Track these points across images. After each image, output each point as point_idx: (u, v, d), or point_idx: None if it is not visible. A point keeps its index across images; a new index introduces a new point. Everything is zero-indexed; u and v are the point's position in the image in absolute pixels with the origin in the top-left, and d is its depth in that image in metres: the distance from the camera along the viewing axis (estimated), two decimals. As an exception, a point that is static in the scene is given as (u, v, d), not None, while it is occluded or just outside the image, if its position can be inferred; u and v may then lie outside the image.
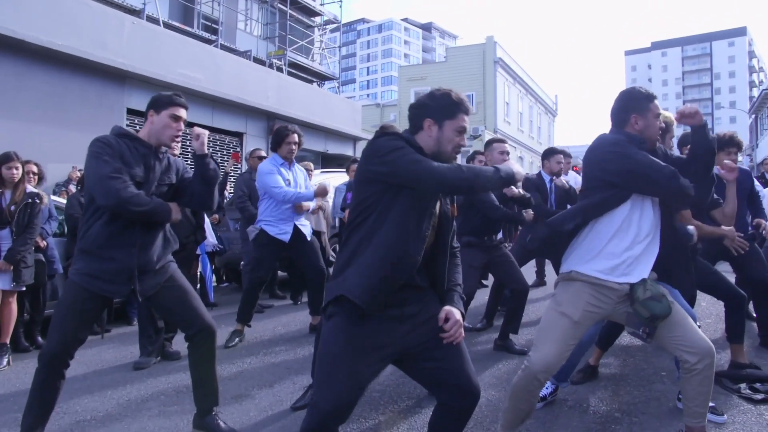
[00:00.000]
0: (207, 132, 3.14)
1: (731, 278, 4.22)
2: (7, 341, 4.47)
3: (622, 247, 2.51)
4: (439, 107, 2.23)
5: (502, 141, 4.77)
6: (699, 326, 5.18)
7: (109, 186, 2.66)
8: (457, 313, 2.18)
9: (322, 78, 21.07)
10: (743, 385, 3.63)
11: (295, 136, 5.07)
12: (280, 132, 5.10)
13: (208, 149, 3.12)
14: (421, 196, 2.12)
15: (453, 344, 2.17)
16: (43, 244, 4.89)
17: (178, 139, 3.01)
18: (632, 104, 2.66)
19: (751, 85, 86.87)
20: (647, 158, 2.49)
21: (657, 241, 2.59)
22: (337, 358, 2.02)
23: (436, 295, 2.28)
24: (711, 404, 3.18)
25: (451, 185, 2.10)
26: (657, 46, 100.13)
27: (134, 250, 2.82)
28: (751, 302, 5.12)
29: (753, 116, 37.48)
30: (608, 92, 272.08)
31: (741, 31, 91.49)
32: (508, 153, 4.65)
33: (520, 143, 31.80)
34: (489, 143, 4.81)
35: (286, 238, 5.00)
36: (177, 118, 2.94)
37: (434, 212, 2.19)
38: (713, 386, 3.60)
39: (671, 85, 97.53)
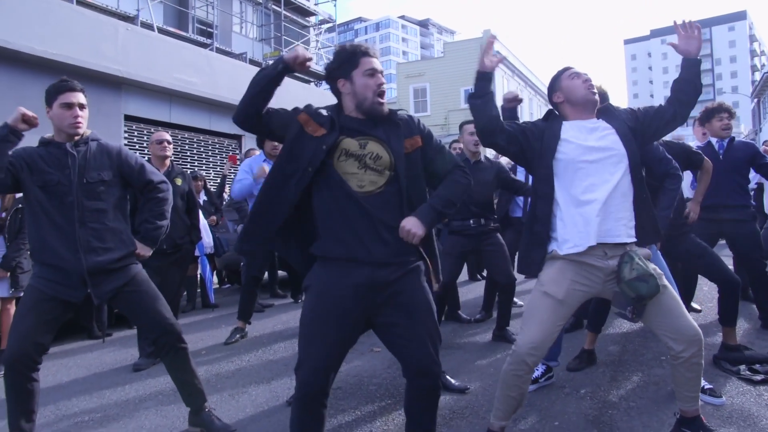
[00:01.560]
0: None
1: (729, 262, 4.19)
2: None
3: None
4: (340, 64, 2.28)
5: (473, 122, 4.70)
6: (700, 310, 5.23)
7: None
8: (409, 222, 2.15)
9: (318, 78, 21.02)
10: (743, 367, 3.62)
11: None
12: None
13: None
14: (296, 148, 2.23)
15: (418, 324, 2.18)
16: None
17: (79, 123, 2.85)
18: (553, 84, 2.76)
19: (753, 69, 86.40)
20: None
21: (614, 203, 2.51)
22: (309, 327, 2.18)
23: (419, 264, 2.28)
24: (709, 386, 3.20)
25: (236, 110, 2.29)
26: (656, 33, 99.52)
27: (78, 253, 2.77)
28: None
29: (755, 100, 37.25)
30: (609, 82, 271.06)
31: (741, 15, 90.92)
32: None
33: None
34: (461, 125, 4.74)
35: None
36: (69, 105, 2.83)
37: (321, 160, 2.18)
38: (714, 369, 3.65)
39: (672, 72, 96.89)
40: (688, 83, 2.56)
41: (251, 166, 5.18)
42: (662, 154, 3.52)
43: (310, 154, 2.18)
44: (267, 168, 5.08)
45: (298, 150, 2.21)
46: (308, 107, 2.30)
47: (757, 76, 55.22)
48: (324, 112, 2.26)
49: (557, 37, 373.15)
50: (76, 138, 2.90)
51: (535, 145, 2.60)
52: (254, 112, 2.24)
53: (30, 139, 2.84)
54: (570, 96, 2.64)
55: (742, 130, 40.69)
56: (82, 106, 2.87)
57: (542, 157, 2.57)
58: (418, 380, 2.21)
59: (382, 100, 2.26)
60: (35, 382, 2.73)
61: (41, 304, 2.75)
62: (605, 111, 2.70)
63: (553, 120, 2.69)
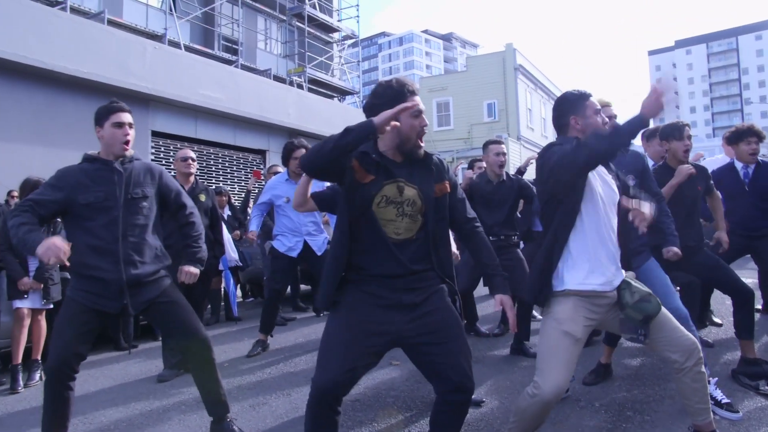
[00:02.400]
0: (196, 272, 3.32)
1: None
2: (39, 357, 4.64)
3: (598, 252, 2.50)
4: (387, 102, 2.21)
5: (498, 142, 4.78)
6: (721, 324, 5.19)
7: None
8: (508, 300, 2.40)
9: (342, 93, 21.28)
10: (762, 382, 3.60)
11: (302, 150, 5.14)
12: (287, 147, 5.22)
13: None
14: (349, 198, 2.24)
15: (453, 340, 2.25)
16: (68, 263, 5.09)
17: (129, 141, 3.01)
18: (567, 107, 2.64)
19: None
20: (560, 149, 2.47)
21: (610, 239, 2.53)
22: (332, 341, 2.23)
23: (444, 285, 2.36)
24: (727, 400, 3.19)
25: (305, 156, 2.18)
26: (681, 44, 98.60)
27: (119, 265, 2.89)
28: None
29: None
30: (633, 93, 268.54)
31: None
32: (504, 154, 4.67)
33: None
34: (485, 145, 4.82)
35: (294, 254, 5.11)
36: (120, 125, 2.99)
37: (371, 209, 2.22)
38: (733, 384, 3.64)
39: (697, 83, 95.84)
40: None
41: (275, 187, 5.24)
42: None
43: (360, 202, 2.22)
44: (290, 188, 5.16)
45: (352, 197, 2.24)
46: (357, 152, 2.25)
47: (787, 86, 54.11)
48: (368, 153, 2.25)
49: (581, 49, 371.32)
50: (125, 155, 3.04)
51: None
52: (330, 166, 2.13)
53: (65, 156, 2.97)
54: (588, 131, 2.56)
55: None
56: (131, 126, 3.04)
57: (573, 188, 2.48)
58: (453, 396, 2.25)
59: (422, 143, 2.29)
60: (71, 391, 2.87)
61: (80, 315, 2.88)
62: None
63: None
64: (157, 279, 3.08)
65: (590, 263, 2.47)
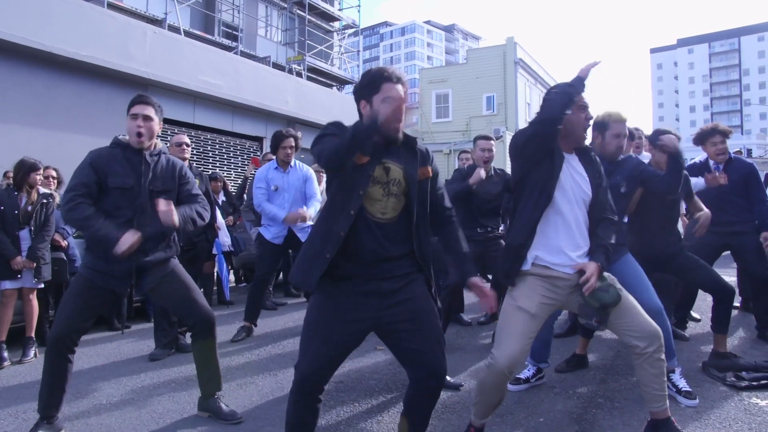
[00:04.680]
0: (170, 206, 3.09)
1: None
2: (32, 334, 4.76)
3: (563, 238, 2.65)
4: (364, 87, 2.32)
5: (488, 138, 4.86)
6: (699, 320, 5.33)
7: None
8: (479, 280, 2.42)
9: (341, 82, 21.33)
10: (729, 374, 3.75)
11: (291, 140, 5.25)
12: (276, 136, 5.32)
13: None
14: (345, 178, 2.27)
15: (428, 328, 2.33)
16: (64, 243, 5.22)
17: (140, 132, 3.10)
18: None
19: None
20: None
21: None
22: (312, 327, 2.31)
23: (422, 274, 2.42)
24: (687, 388, 3.35)
25: (326, 157, 2.20)
26: (683, 43, 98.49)
27: (135, 254, 3.01)
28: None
29: (782, 112, 36.62)
30: (634, 91, 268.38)
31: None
32: (490, 150, 4.74)
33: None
34: (475, 139, 4.92)
35: (279, 241, 5.21)
36: (135, 117, 3.11)
37: (365, 189, 2.26)
38: (702, 375, 3.79)
39: (698, 82, 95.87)
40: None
41: (265, 180, 5.30)
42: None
43: (358, 182, 2.27)
44: (279, 177, 5.27)
45: (346, 180, 2.28)
46: None
47: (787, 87, 54.23)
48: None
49: (583, 45, 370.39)
50: (147, 147, 3.17)
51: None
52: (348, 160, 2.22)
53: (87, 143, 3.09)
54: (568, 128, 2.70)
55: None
56: (147, 118, 3.14)
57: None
58: (425, 382, 2.34)
59: (397, 126, 2.31)
60: (70, 363, 3.03)
61: (86, 291, 3.05)
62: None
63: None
64: (164, 260, 3.23)
65: (552, 245, 2.64)
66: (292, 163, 5.36)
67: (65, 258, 5.21)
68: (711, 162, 4.62)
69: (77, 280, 3.11)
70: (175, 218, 3.04)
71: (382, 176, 2.31)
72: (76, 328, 3.00)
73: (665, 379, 2.68)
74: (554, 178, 2.63)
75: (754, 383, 3.58)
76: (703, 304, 6.08)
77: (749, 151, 34.96)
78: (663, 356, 2.62)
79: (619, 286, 2.62)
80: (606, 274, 2.63)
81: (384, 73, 2.30)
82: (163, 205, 3.01)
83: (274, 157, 5.58)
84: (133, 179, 3.08)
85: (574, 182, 2.69)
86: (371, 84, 2.30)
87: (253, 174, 8.61)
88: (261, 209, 5.26)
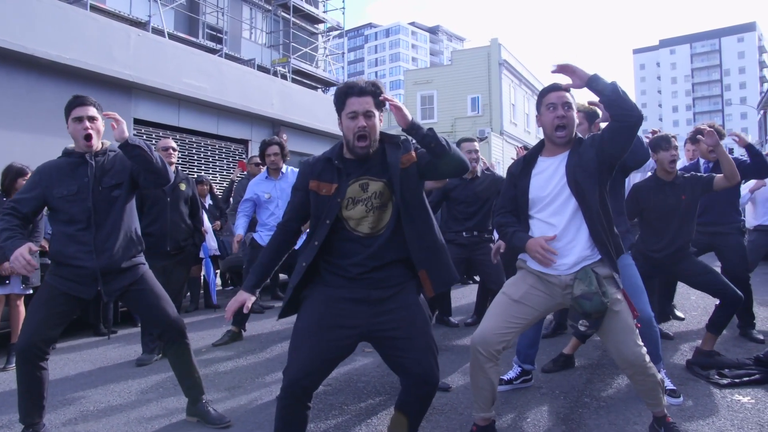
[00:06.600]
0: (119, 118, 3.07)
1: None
2: (18, 341, 4.71)
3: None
4: (335, 104, 2.39)
5: (471, 140, 4.86)
6: (683, 318, 5.42)
7: None
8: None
9: (326, 84, 21.31)
10: (712, 372, 3.81)
11: (275, 147, 5.24)
12: (261, 146, 5.32)
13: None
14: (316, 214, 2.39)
15: (420, 335, 2.33)
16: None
17: (88, 134, 3.03)
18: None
19: (762, 80, 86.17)
20: None
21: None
22: (301, 333, 2.33)
23: (413, 281, 2.42)
24: (672, 387, 3.41)
25: None
26: (665, 43, 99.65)
27: (92, 254, 2.99)
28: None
29: (762, 111, 37.17)
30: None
31: (750, 27, 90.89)
32: (475, 152, 4.74)
33: (527, 145, 31.78)
34: (459, 142, 4.86)
35: None
36: (79, 119, 3.03)
37: (331, 219, 2.33)
38: (686, 372, 3.85)
39: (680, 82, 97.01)
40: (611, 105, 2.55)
41: (255, 192, 5.30)
42: None
43: (327, 210, 2.34)
44: (270, 186, 5.27)
45: (315, 210, 2.39)
46: (313, 168, 2.42)
47: (766, 86, 55.01)
48: (331, 160, 2.39)
49: (566, 46, 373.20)
50: (94, 149, 3.11)
51: None
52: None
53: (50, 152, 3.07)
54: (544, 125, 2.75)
55: (749, 141, 40.47)
56: (92, 119, 3.07)
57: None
58: (418, 389, 2.34)
59: (362, 144, 2.31)
60: (44, 370, 2.97)
61: (54, 299, 2.99)
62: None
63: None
64: (132, 266, 3.17)
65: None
66: (284, 170, 5.36)
67: (51, 263, 5.16)
68: (702, 161, 4.73)
69: (44, 288, 3.06)
70: (125, 128, 3.01)
71: (359, 194, 2.34)
72: (43, 337, 2.92)
73: (657, 390, 2.69)
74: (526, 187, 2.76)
75: (737, 380, 3.64)
76: (687, 303, 6.19)
77: (731, 150, 35.39)
78: (650, 374, 2.61)
79: (614, 295, 2.58)
80: (603, 279, 2.58)
81: (347, 89, 2.34)
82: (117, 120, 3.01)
83: (263, 166, 5.57)
84: (77, 184, 3.02)
85: (554, 185, 2.68)
86: (338, 101, 2.36)
87: (240, 177, 8.63)
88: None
